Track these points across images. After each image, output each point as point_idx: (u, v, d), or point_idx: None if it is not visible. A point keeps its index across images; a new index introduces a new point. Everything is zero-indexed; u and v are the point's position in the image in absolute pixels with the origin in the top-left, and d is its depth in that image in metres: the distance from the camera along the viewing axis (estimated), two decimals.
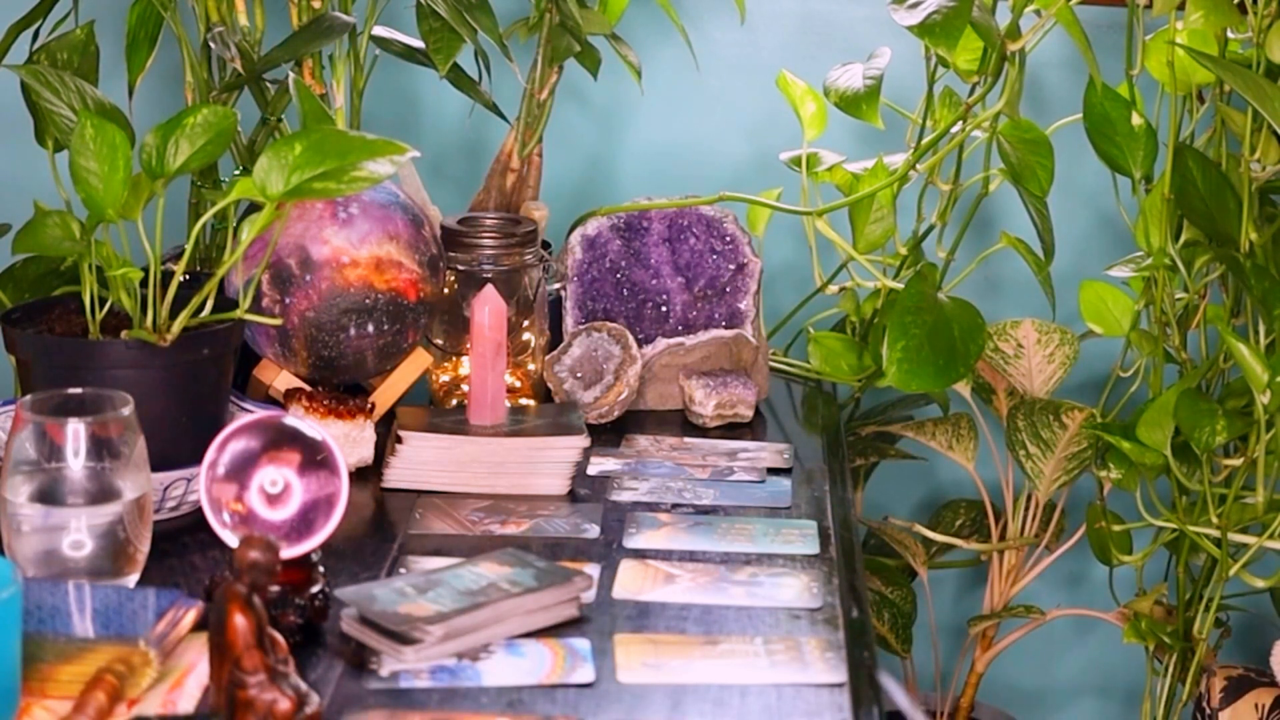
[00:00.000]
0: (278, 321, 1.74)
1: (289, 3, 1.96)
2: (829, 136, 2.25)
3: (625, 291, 2.08)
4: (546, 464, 1.77)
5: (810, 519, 1.72)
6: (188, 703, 1.30)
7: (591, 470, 1.83)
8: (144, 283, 1.61)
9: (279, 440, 1.42)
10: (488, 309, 1.81)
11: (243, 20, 1.97)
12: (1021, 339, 2.20)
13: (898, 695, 1.23)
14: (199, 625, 1.36)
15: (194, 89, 1.98)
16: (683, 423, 2.00)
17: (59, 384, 1.49)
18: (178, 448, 1.61)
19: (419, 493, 1.75)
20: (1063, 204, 2.25)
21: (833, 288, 2.21)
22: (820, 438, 1.99)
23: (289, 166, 1.56)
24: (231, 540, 1.40)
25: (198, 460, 1.43)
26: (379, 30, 2.05)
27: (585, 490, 1.78)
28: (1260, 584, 2.01)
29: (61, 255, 1.73)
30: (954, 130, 2.05)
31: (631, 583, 1.56)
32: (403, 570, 1.57)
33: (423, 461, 1.76)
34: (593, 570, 1.56)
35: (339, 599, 1.43)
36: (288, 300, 1.79)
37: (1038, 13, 1.96)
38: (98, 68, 1.91)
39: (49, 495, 1.40)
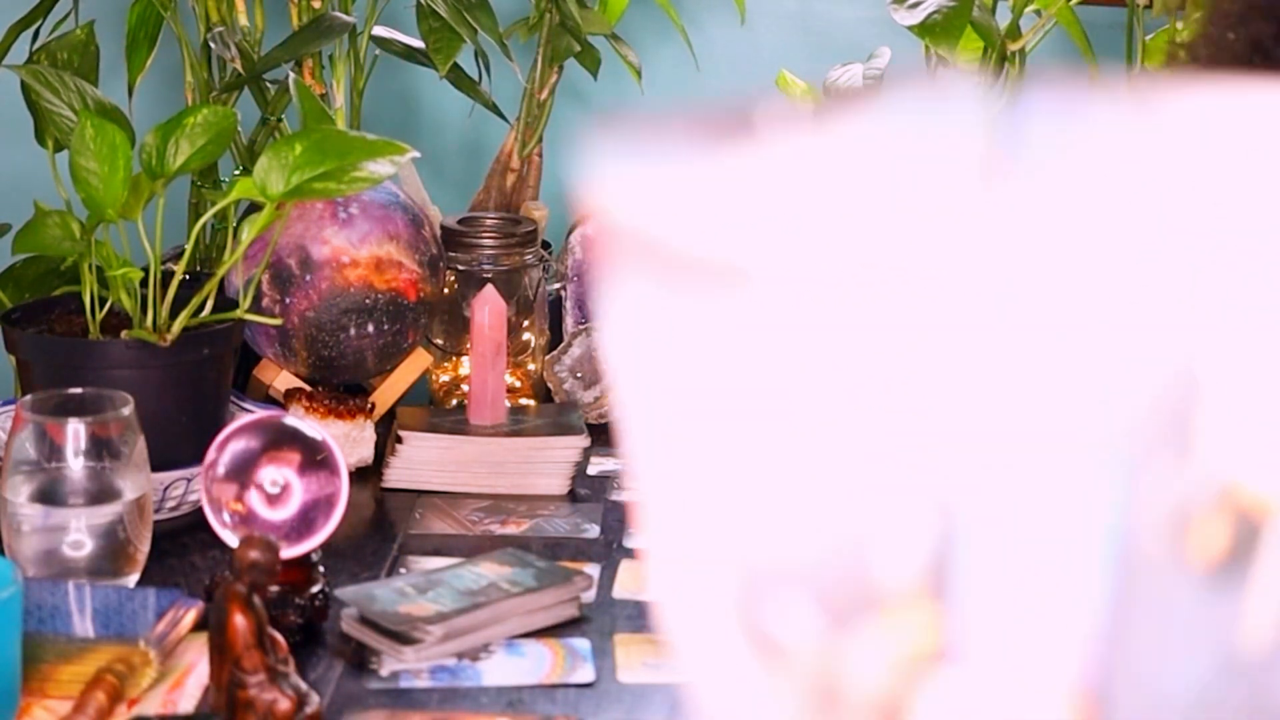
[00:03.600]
0: (277, 321, 1.74)
1: (289, 3, 1.96)
2: None
3: None
4: (546, 464, 1.76)
5: None
6: (188, 703, 1.30)
7: (591, 470, 1.83)
8: (144, 283, 1.61)
9: (279, 440, 1.42)
10: (488, 309, 1.81)
11: (243, 20, 1.97)
12: None
13: None
14: (199, 625, 1.36)
15: (194, 89, 1.97)
16: None
17: (59, 384, 1.49)
18: (178, 448, 1.60)
19: (419, 493, 1.75)
20: None
21: None
22: None
23: (289, 167, 1.56)
24: (231, 540, 1.40)
25: (198, 460, 1.43)
26: (379, 30, 2.04)
27: (585, 490, 1.78)
28: None
29: (61, 255, 1.73)
30: None
31: (631, 583, 1.56)
32: (403, 570, 1.57)
33: (423, 461, 1.76)
34: (593, 570, 1.56)
35: (339, 599, 1.43)
36: (288, 300, 1.79)
37: (1038, 13, 1.96)
38: (98, 67, 1.91)
39: (49, 495, 1.40)
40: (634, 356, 0.46)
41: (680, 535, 0.46)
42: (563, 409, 1.88)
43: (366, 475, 1.78)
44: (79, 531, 1.39)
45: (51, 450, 1.40)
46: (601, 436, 1.93)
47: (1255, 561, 0.45)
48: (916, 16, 1.87)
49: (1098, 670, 0.45)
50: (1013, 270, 0.44)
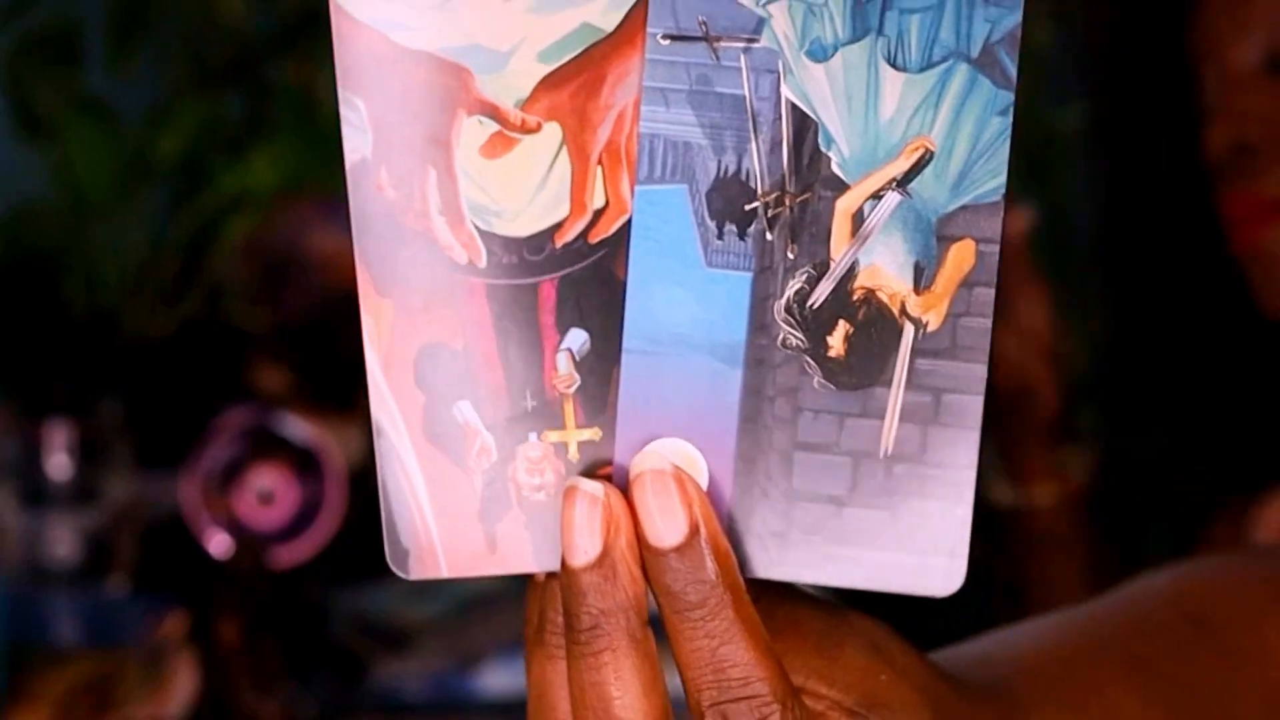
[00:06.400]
0: (270, 320, 1.72)
1: None
2: None
3: None
4: None
5: None
6: (176, 712, 1.29)
7: None
8: (133, 279, 1.60)
9: (271, 442, 1.41)
10: None
11: (234, 12, 1.95)
12: None
13: None
14: (188, 632, 1.35)
15: (183, 82, 1.95)
16: None
17: (44, 382, 1.48)
18: (167, 449, 1.59)
19: None
20: None
21: None
22: None
23: (281, 161, 1.54)
24: (222, 545, 1.39)
25: (189, 462, 1.42)
26: None
27: None
28: None
29: (48, 250, 1.71)
30: None
31: None
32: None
33: None
34: None
35: (332, 604, 1.41)
36: (279, 298, 1.77)
37: None
38: (84, 59, 1.89)
39: (34, 497, 1.39)
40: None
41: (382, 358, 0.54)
42: None
43: (361, 478, 1.75)
44: (65, 535, 1.38)
45: (37, 451, 1.39)
46: None
47: (890, 356, 0.52)
48: None
49: (733, 468, 0.52)
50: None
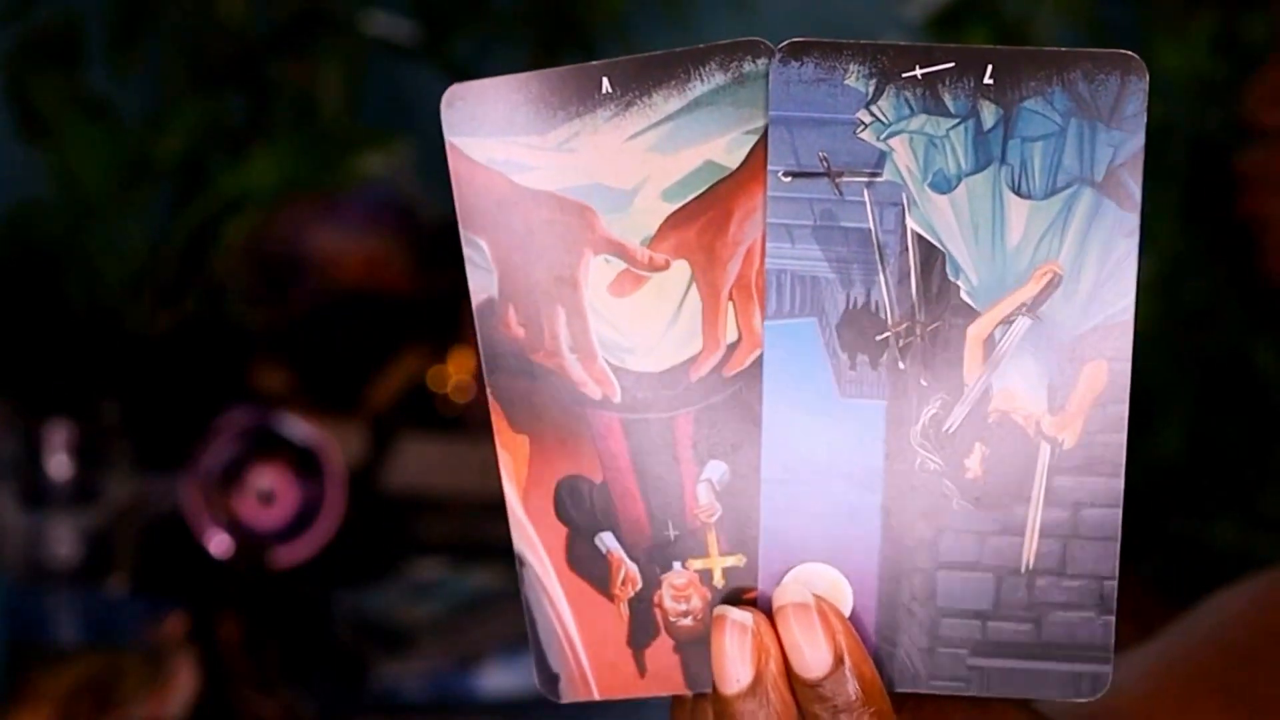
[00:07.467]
0: (270, 320, 1.72)
1: None
2: None
3: None
4: None
5: None
6: (176, 711, 1.28)
7: None
8: (134, 279, 1.60)
9: (272, 442, 1.41)
10: None
11: (234, 12, 1.95)
12: None
13: None
14: (188, 632, 1.34)
15: (183, 82, 1.95)
16: None
17: (46, 383, 1.47)
18: (167, 449, 1.58)
19: (415, 495, 1.73)
20: None
21: None
22: None
23: (281, 162, 1.54)
24: (223, 544, 1.39)
25: (189, 462, 1.42)
26: (373, 21, 2.02)
27: None
28: None
29: (48, 250, 1.71)
30: None
31: None
32: (398, 575, 1.55)
33: (419, 463, 1.74)
34: None
35: (332, 604, 1.41)
36: (281, 298, 1.77)
37: None
38: (84, 59, 1.89)
39: (34, 497, 1.38)
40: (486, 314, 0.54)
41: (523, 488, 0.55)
42: None
43: (361, 477, 1.75)
44: (65, 535, 1.38)
45: (37, 451, 1.39)
46: None
47: (1028, 475, 0.53)
48: (922, 13, 1.86)
49: (877, 589, 0.53)
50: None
